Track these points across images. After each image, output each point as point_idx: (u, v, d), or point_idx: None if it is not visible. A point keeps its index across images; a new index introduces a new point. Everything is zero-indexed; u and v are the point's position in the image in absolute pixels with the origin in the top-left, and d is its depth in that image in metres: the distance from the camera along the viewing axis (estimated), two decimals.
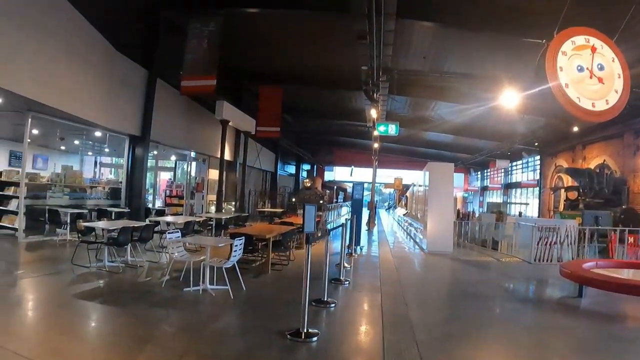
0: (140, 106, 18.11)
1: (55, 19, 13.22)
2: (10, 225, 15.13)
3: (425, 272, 14.77)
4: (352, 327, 8.14)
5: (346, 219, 13.31)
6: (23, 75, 12.14)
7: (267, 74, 26.74)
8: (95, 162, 27.56)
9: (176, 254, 9.73)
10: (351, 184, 64.11)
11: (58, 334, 6.66)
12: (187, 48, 17.35)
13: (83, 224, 11.64)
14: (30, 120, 14.31)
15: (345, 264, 11.97)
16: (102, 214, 16.50)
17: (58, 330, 6.85)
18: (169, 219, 14.86)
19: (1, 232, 15.38)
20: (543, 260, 15.30)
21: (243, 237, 9.65)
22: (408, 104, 30.34)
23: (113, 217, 16.05)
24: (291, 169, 50.92)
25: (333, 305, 8.79)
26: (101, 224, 11.64)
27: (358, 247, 16.49)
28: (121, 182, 19.01)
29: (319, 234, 16.04)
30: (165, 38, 18.61)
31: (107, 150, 23.76)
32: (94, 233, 12.00)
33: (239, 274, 9.67)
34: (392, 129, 24.06)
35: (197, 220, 15.07)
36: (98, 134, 18.33)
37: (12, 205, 15.28)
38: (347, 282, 10.94)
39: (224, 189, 22.91)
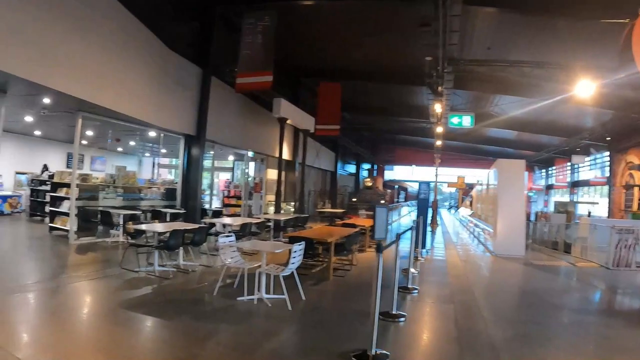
0: (195, 105, 17.49)
1: (107, 19, 12.65)
2: (62, 227, 14.77)
3: (498, 278, 13.60)
4: (425, 348, 7.06)
5: (414, 221, 12.22)
6: (74, 75, 11.58)
7: (325, 70, 25.74)
8: (153, 163, 27.35)
9: (229, 260, 8.89)
10: (412, 184, 63.05)
11: (93, 350, 5.95)
12: (242, 44, 16.59)
13: (133, 226, 10.97)
14: (80, 120, 13.83)
15: (412, 270, 10.91)
16: (156, 215, 15.97)
17: (93, 345, 6.16)
18: (225, 220, 14.09)
19: (55, 233, 15.09)
20: (623, 266, 13.92)
21: (303, 242, 8.69)
22: (469, 99, 28.79)
23: (168, 219, 15.55)
24: (351, 169, 49.68)
25: (402, 319, 7.76)
26: (150, 227, 10.92)
27: (423, 250, 15.39)
28: (177, 183, 18.43)
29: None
30: (219, 35, 17.96)
31: (163, 150, 23.35)
32: (144, 235, 11.40)
33: (298, 281, 8.72)
34: (466, 121, 22.68)
35: (254, 221, 14.25)
36: (153, 134, 17.85)
37: (65, 207, 14.88)
38: (416, 291, 9.86)
39: (282, 189, 22.06)
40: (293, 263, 8.22)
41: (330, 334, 7.02)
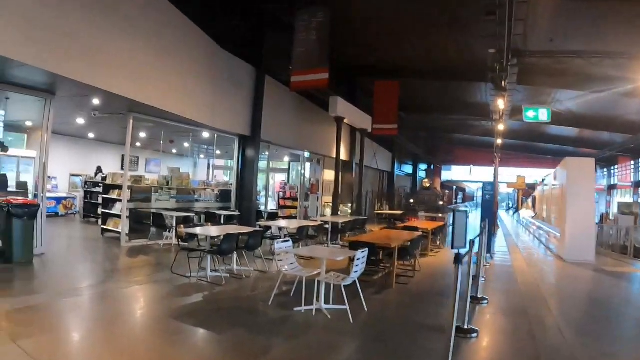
0: (249, 105, 17.01)
1: (156, 18, 12.28)
2: (114, 229, 14.51)
3: (570, 287, 12.48)
4: None
5: (481, 225, 11.31)
6: (124, 75, 11.24)
7: (381, 68, 24.72)
8: (208, 165, 27.08)
9: (286, 267, 8.22)
10: (469, 184, 61.30)
11: None
12: (296, 41, 15.98)
13: (184, 229, 10.44)
14: (132, 121, 13.55)
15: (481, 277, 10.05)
16: (210, 217, 15.51)
17: None
18: (281, 223, 13.46)
19: (107, 235, 14.87)
20: None
21: (366, 249, 7.90)
22: (528, 94, 27.23)
23: (222, 221, 15.11)
24: (408, 169, 48.52)
25: (475, 334, 6.95)
26: (202, 230, 10.41)
27: (488, 255, 14.43)
28: (231, 184, 17.96)
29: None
30: (272, 32, 17.48)
31: (218, 152, 22.98)
32: (196, 239, 10.93)
33: (360, 290, 7.99)
34: (543, 115, 21.30)
35: (311, 224, 13.58)
36: (206, 135, 17.43)
37: (116, 209, 14.57)
38: (486, 301, 9.03)
39: (340, 190, 21.34)
40: (356, 271, 7.48)
41: (397, 351, 6.29)
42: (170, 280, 9.54)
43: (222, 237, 9.53)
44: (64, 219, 19.67)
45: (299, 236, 12.36)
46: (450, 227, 16.59)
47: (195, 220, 14.89)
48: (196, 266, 10.04)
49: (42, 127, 11.62)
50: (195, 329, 6.77)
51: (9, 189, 13.72)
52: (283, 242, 8.57)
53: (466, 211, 5.64)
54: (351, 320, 7.18)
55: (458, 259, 5.09)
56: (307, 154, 22.59)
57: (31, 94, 11.25)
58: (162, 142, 17.16)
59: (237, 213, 16.21)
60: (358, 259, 7.45)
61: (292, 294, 8.46)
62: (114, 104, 12.88)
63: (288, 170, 27.21)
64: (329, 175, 24.73)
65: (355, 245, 9.54)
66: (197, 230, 10.40)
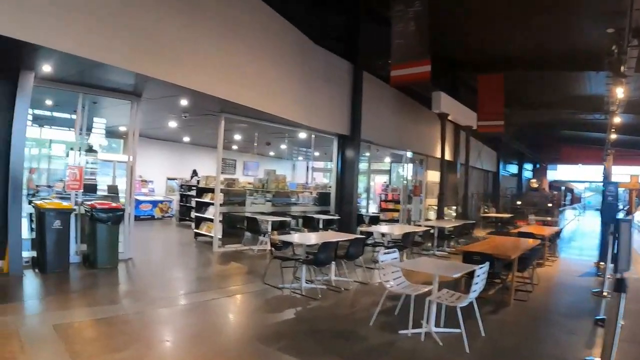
0: (347, 103, 16.00)
1: (246, 14, 11.54)
2: (207, 233, 13.91)
3: None
4: None
5: (608, 232, 9.61)
6: (214, 75, 10.60)
7: (483, 61, 22.59)
8: (307, 167, 26.28)
9: (391, 283, 7.07)
10: (579, 184, 57.55)
11: None
12: (393, 33, 14.74)
13: (277, 237, 9.48)
14: (223, 122, 12.88)
15: (606, 292, 8.46)
16: (308, 221, 14.59)
17: None
18: (384, 229, 12.31)
19: (200, 239, 14.39)
20: None
21: (487, 263, 6.58)
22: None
23: (320, 225, 14.15)
24: (512, 169, 45.73)
25: None
26: (297, 238, 9.43)
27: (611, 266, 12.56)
28: (330, 187, 16.98)
29: None
30: (367, 26, 16.30)
31: (316, 153, 22.07)
32: (292, 246, 9.92)
33: (477, 310, 6.66)
34: None
35: (417, 230, 12.34)
36: (303, 135, 16.58)
37: (210, 212, 13.90)
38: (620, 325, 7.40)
39: (444, 192, 19.93)
40: (474, 290, 6.20)
41: None
42: (261, 291, 8.67)
43: (319, 246, 8.53)
44: (160, 222, 19.51)
45: (404, 243, 11.17)
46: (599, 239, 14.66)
47: (292, 224, 14.01)
48: (290, 276, 9.10)
49: (129, 129, 11.20)
50: (278, 354, 5.73)
51: (101, 193, 13.50)
52: (387, 252, 7.39)
53: (630, 221, 4.25)
54: (467, 349, 5.92)
55: (622, 285, 3.74)
56: (409, 154, 21.28)
57: (117, 97, 10.90)
58: (256, 144, 16.41)
59: (336, 217, 15.24)
60: (478, 276, 6.18)
61: (396, 312, 7.34)
62: (204, 105, 12.29)
63: (389, 172, 25.95)
64: (432, 176, 23.42)
65: (469, 256, 8.25)
66: (292, 237, 9.47)
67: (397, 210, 21.58)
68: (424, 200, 22.78)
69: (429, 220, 19.47)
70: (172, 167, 22.22)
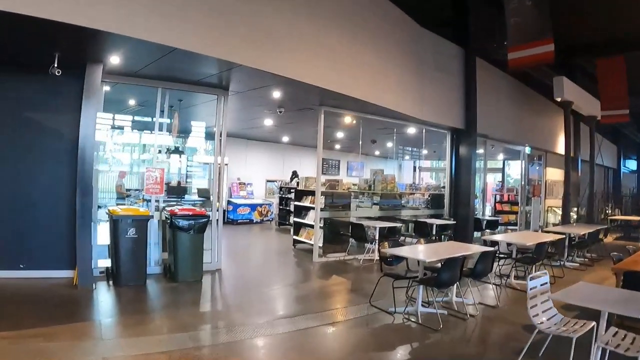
0: (460, 92, 13.98)
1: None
2: (307, 241, 12.34)
3: None
4: None
5: None
6: (310, 62, 8.96)
7: (602, 43, 19.52)
8: (414, 167, 24.32)
9: (543, 320, 5.10)
10: None
11: None
12: (508, 11, 12.60)
13: (387, 250, 7.63)
14: (322, 117, 11.21)
15: None
16: (419, 227, 12.66)
17: None
18: (512, 239, 9.99)
19: (299, 246, 12.85)
20: None
21: None
22: None
23: (433, 231, 12.31)
24: (631, 165, 39.82)
25: None
26: (412, 253, 7.55)
27: None
28: (443, 187, 14.98)
29: None
30: (478, 4, 14.16)
31: (424, 151, 20.04)
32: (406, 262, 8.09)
33: None
34: None
35: (551, 239, 10.07)
36: (412, 131, 14.71)
37: (309, 218, 12.28)
38: None
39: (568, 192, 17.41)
40: None
41: None
42: (368, 317, 6.92)
43: (441, 262, 6.70)
44: (259, 227, 18.17)
45: (537, 255, 9.06)
46: None
47: (402, 230, 12.20)
48: (402, 295, 7.31)
49: (216, 127, 9.82)
50: None
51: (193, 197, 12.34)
52: (536, 276, 5.28)
53: None
54: None
55: None
56: (528, 150, 18.85)
57: (201, 91, 9.65)
58: (360, 142, 14.62)
59: (451, 222, 13.25)
60: None
61: (541, 354, 5.36)
62: (301, 97, 10.65)
63: (502, 170, 23.55)
64: (551, 174, 20.92)
65: (633, 278, 6.10)
66: (407, 251, 7.65)
67: (514, 213, 19.25)
68: (543, 201, 20.27)
69: (556, 225, 17.02)
70: (271, 169, 20.91)
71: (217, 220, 9.49)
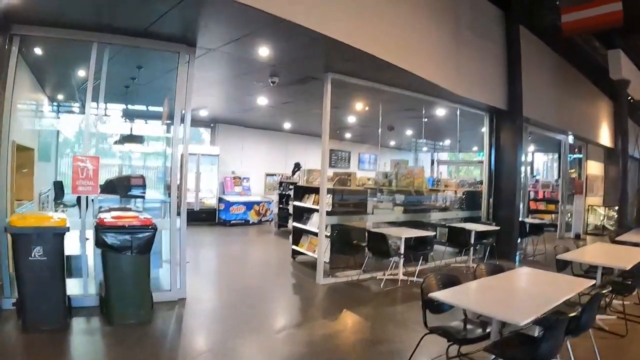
0: (501, 64, 10.89)
1: None
2: (309, 253, 9.26)
3: None
4: None
5: None
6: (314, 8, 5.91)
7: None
8: (432, 160, 21.30)
9: None
10: None
11: None
12: None
13: (438, 295, 4.23)
14: (329, 86, 7.98)
15: None
16: (455, 235, 9.62)
17: None
18: (595, 257, 6.74)
19: (300, 258, 9.81)
20: None
21: None
22: None
23: (471, 239, 9.33)
24: None
25: None
26: (480, 306, 4.14)
27: None
28: (480, 183, 11.87)
29: None
30: None
31: (448, 142, 16.94)
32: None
33: None
34: None
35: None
36: (442, 112, 11.48)
37: (313, 222, 9.23)
38: None
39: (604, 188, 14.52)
40: None
41: None
42: None
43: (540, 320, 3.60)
44: (255, 230, 15.03)
45: (636, 282, 6.00)
46: None
47: (434, 239, 9.19)
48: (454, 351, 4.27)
49: (176, 99, 6.61)
50: None
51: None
52: None
53: None
54: None
55: None
56: (570, 139, 15.71)
57: (158, 47, 6.43)
58: (380, 125, 11.31)
59: (493, 227, 10.14)
60: None
61: None
62: (299, 57, 7.51)
63: (531, 163, 20.46)
64: (591, 168, 17.76)
65: None
66: (468, 301, 4.31)
67: (549, 212, 16.20)
68: (584, 199, 17.16)
69: (604, 228, 13.99)
70: (272, 161, 17.66)
71: (179, 229, 6.51)
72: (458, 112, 11.02)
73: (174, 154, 6.49)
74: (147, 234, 5.37)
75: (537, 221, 12.70)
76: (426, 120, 12.34)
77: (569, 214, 16.25)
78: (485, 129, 11.43)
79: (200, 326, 5.79)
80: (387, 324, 6.03)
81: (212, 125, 15.84)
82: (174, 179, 6.48)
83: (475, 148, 19.51)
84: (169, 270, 6.51)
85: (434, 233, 9.13)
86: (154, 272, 6.68)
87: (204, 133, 16.48)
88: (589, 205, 17.26)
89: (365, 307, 6.80)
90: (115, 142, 10.53)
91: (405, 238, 8.06)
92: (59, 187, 9.27)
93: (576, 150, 17.02)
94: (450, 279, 4.70)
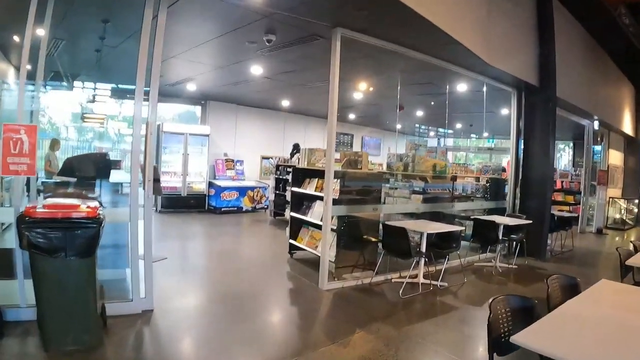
0: (531, 33, 9.34)
1: None
2: (310, 249, 7.72)
3: None
4: None
5: None
6: None
7: None
8: (441, 145, 19.82)
9: None
10: None
11: None
12: None
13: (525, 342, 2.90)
14: (339, 43, 6.37)
15: None
16: (481, 229, 8.10)
17: None
18: None
19: (298, 255, 8.32)
20: None
21: None
22: None
23: (500, 234, 7.89)
24: None
25: None
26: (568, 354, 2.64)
27: None
28: (503, 170, 10.26)
29: None
30: None
31: (458, 125, 15.35)
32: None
33: None
34: None
35: None
36: (462, 88, 9.94)
37: (315, 213, 7.67)
38: None
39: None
40: None
41: None
42: None
43: None
44: (249, 218, 13.47)
45: None
46: None
47: (461, 234, 7.65)
48: None
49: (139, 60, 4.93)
50: None
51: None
52: None
53: None
54: None
55: None
56: (596, 125, 14.12)
57: None
58: (398, 98, 9.59)
59: (525, 221, 8.49)
60: None
61: None
62: (302, 8, 5.80)
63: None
64: (612, 158, 16.35)
65: None
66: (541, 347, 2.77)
67: (568, 204, 14.70)
68: (605, 191, 15.66)
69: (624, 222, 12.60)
70: (268, 143, 15.99)
71: (147, 217, 4.94)
72: (485, 89, 9.44)
73: (134, 130, 4.91)
74: (90, 229, 3.79)
75: (565, 214, 11.17)
76: (445, 95, 10.70)
77: (591, 207, 14.79)
78: (512, 109, 9.85)
79: (165, 353, 4.24)
80: (416, 352, 4.52)
81: (202, 102, 14.24)
82: (134, 160, 4.89)
83: (486, 134, 18.04)
84: (131, 272, 4.96)
85: (462, 228, 7.56)
86: (119, 274, 5.16)
87: (196, 112, 14.91)
88: (609, 198, 15.81)
89: (383, 324, 5.22)
90: (83, 117, 8.99)
91: (426, 233, 6.54)
92: None
93: (599, 139, 15.52)
94: (523, 304, 3.18)
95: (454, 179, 9.28)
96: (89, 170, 6.35)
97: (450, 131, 18.04)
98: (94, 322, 4.04)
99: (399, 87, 8.79)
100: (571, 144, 19.01)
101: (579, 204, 14.47)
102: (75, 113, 9.26)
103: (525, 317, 3.01)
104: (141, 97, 4.85)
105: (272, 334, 4.98)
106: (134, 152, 4.88)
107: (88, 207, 3.97)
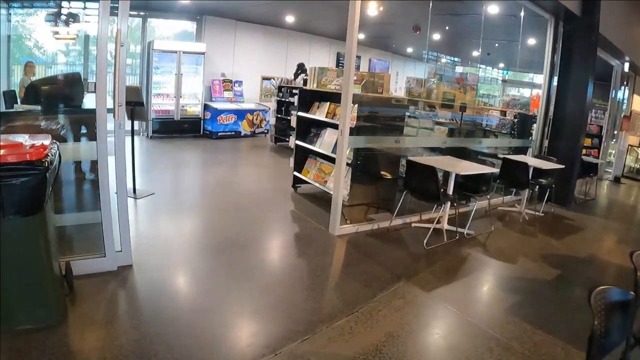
0: None
1: None
2: (317, 184, 6.84)
3: None
4: None
5: None
6: None
7: None
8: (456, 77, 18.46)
9: None
10: None
11: None
12: None
13: None
14: None
15: None
16: (510, 171, 7.20)
17: None
18: None
19: (302, 189, 7.55)
20: None
21: None
22: None
23: (530, 176, 7.10)
24: None
25: None
26: None
27: None
28: (526, 108, 9.16)
29: None
30: None
31: (474, 53, 14.11)
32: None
33: None
34: None
35: None
36: (494, 9, 8.78)
37: (324, 142, 6.66)
38: None
39: None
40: None
41: None
42: None
43: None
44: (248, 143, 12.55)
45: None
46: None
47: (492, 179, 6.68)
48: None
49: None
50: None
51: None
52: None
53: None
54: None
55: None
56: (626, 67, 12.92)
57: None
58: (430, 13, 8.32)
59: (557, 165, 7.50)
60: None
61: None
62: None
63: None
64: (635, 104, 15.14)
65: None
66: None
67: (586, 147, 13.73)
68: (624, 137, 14.70)
69: None
70: (269, 63, 14.61)
71: (119, 151, 3.88)
72: (522, 12, 8.23)
73: (98, 45, 3.71)
74: (32, 178, 2.70)
75: (592, 159, 10.22)
76: (475, 17, 9.45)
77: (611, 153, 13.93)
78: (548, 39, 8.67)
79: (144, 325, 3.24)
80: (454, 327, 3.62)
81: (198, 17, 12.89)
82: (99, 82, 3.72)
83: (502, 65, 16.76)
84: (103, 222, 3.94)
85: (494, 170, 6.53)
86: (92, 217, 4.14)
87: (192, 29, 13.53)
88: (629, 145, 14.87)
89: (408, 284, 4.27)
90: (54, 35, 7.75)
91: (455, 173, 5.60)
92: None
93: (626, 82, 14.35)
94: (621, 298, 2.23)
95: (483, 111, 8.24)
96: (57, 95, 5.19)
97: (457, 59, 16.82)
98: (51, 292, 3.06)
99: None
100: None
101: (596, 148, 13.60)
102: (48, 33, 8.02)
103: (620, 314, 2.11)
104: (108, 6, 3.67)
105: (273, 306, 3.77)
106: (99, 73, 3.73)
107: (32, 146, 2.89)
